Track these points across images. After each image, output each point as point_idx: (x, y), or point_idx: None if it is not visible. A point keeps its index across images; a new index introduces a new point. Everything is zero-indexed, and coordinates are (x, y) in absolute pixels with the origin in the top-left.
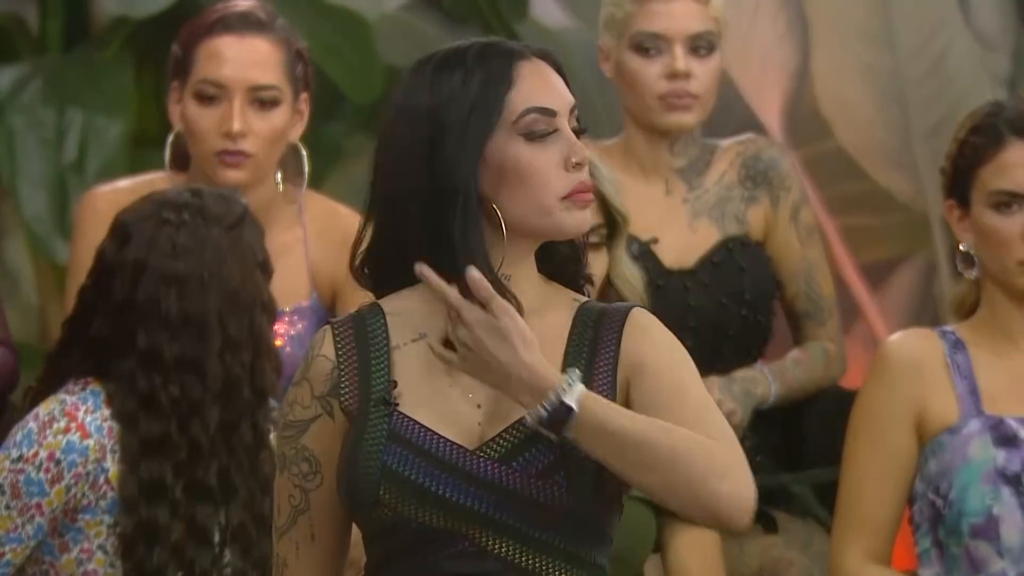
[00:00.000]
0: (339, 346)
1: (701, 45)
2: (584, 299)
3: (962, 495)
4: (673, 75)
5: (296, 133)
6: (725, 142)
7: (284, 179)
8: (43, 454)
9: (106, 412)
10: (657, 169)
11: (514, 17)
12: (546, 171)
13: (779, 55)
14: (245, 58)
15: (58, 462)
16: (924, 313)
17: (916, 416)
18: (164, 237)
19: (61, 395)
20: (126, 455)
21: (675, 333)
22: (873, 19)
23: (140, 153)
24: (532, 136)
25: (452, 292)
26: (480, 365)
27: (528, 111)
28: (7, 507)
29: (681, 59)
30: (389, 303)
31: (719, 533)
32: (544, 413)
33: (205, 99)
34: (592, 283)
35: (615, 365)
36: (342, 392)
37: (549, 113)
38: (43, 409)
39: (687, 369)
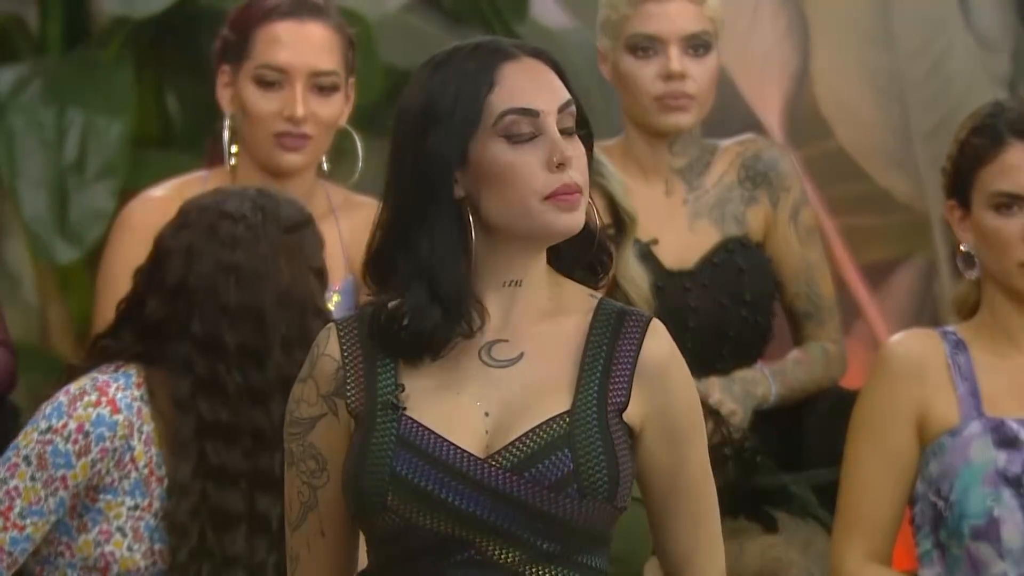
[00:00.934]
0: (344, 346)
1: (697, 45)
2: (600, 296)
3: (963, 497)
4: (669, 76)
5: (344, 118)
6: (725, 143)
7: (329, 163)
8: (72, 425)
9: (136, 393)
10: (657, 170)
11: (514, 17)
12: (527, 172)
13: (779, 55)
14: (306, 44)
15: (87, 434)
16: (924, 313)
17: (917, 417)
18: (224, 227)
19: (94, 373)
20: (176, 439)
21: (675, 334)
22: (873, 19)
23: (140, 153)
24: (513, 137)
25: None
26: None
27: (507, 112)
28: (32, 478)
29: (676, 60)
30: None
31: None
32: None
33: (265, 84)
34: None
35: (633, 367)
36: (348, 393)
37: (530, 114)
38: (74, 385)
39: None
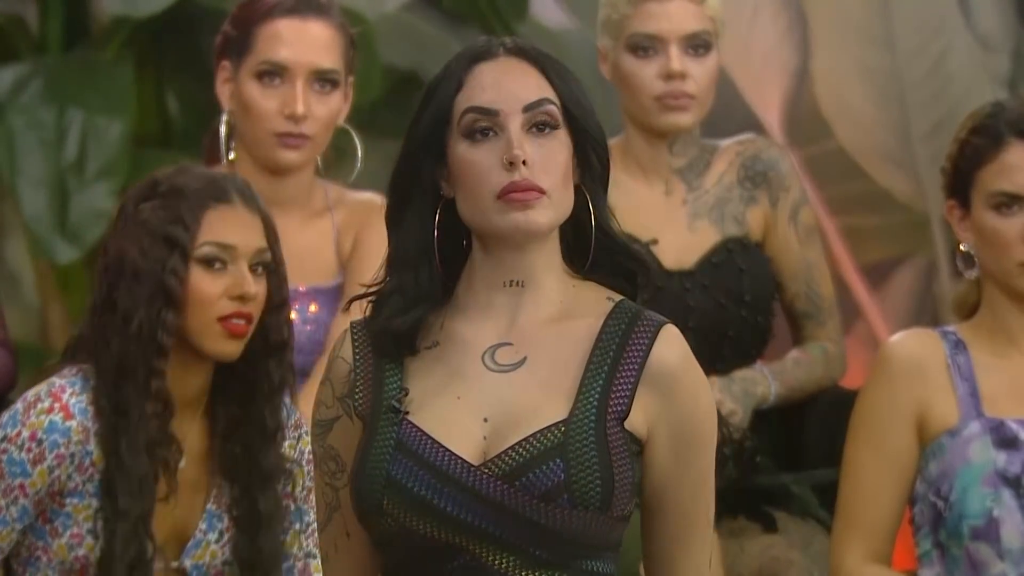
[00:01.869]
0: (356, 349)
1: (697, 45)
2: (619, 298)
3: (962, 497)
4: (669, 76)
5: (343, 116)
6: (724, 143)
7: (324, 161)
8: (25, 434)
9: (91, 396)
10: (657, 170)
11: (514, 17)
12: (482, 171)
13: (779, 55)
14: (307, 41)
15: (40, 442)
16: (924, 313)
17: (917, 417)
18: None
19: (53, 377)
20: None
21: None
22: (873, 19)
23: (140, 153)
24: (472, 136)
25: None
26: None
27: (466, 111)
28: None
29: (677, 59)
30: None
31: (718, 533)
32: None
33: (266, 80)
34: (650, 278)
35: (639, 374)
36: (356, 396)
37: (488, 113)
38: (31, 391)
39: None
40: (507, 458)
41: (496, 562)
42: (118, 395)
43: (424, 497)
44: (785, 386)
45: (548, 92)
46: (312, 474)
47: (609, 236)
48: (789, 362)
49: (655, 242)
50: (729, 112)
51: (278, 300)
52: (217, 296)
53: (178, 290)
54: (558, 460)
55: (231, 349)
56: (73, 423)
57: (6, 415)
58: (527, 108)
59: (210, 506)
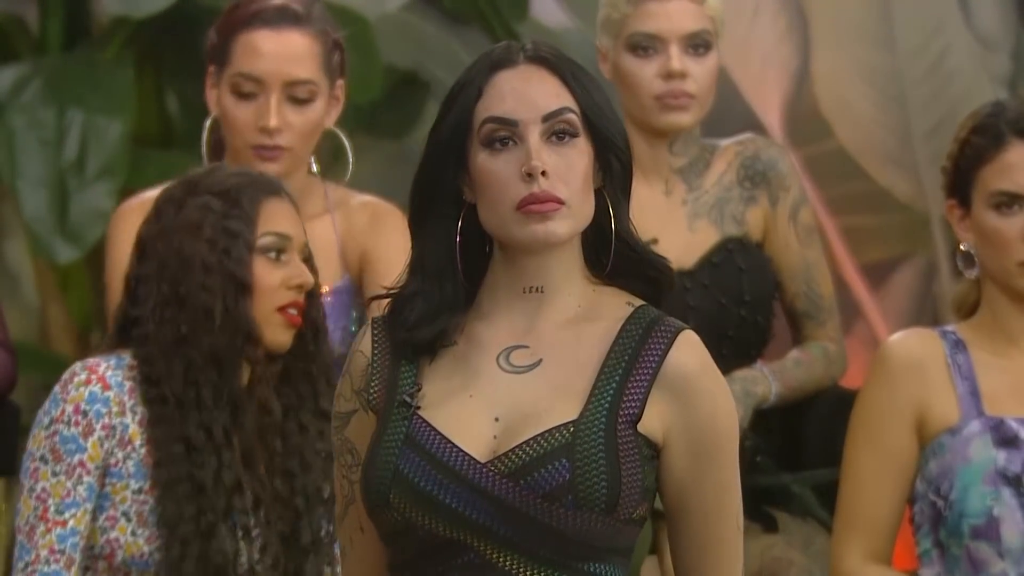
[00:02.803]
0: (376, 343)
1: (697, 44)
2: (640, 303)
3: (963, 496)
4: (669, 75)
5: (332, 119)
6: (724, 142)
7: (320, 164)
8: (69, 409)
9: (128, 373)
10: (657, 169)
11: (514, 17)
12: (502, 181)
13: (779, 55)
14: (281, 53)
15: (85, 413)
16: (924, 313)
17: (916, 416)
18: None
19: (86, 358)
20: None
21: None
22: (873, 19)
23: (140, 153)
24: (492, 146)
25: None
26: None
27: (486, 121)
28: (54, 474)
29: (677, 59)
30: None
31: None
32: None
33: (241, 93)
34: (671, 284)
35: (653, 378)
36: (371, 390)
37: (507, 123)
38: (67, 370)
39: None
40: (514, 456)
41: (500, 560)
42: (207, 388)
43: (430, 492)
44: (785, 386)
45: (568, 100)
46: None
47: (629, 242)
48: (789, 362)
49: (655, 242)
50: (729, 112)
51: (316, 292)
52: (277, 286)
53: (249, 278)
54: (564, 460)
55: (286, 339)
56: (111, 393)
57: (47, 402)
58: (546, 118)
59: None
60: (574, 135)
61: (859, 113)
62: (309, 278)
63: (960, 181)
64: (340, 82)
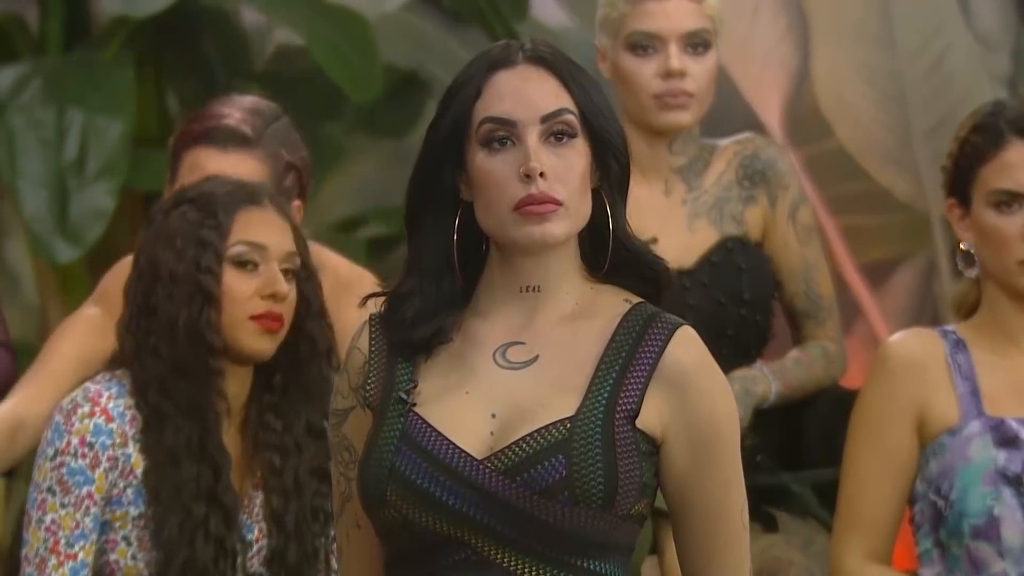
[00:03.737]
0: (373, 340)
1: (696, 43)
2: (637, 300)
3: (963, 496)
4: (668, 74)
5: (297, 217)
6: (723, 142)
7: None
8: (75, 441)
9: (129, 401)
10: (656, 169)
11: (514, 17)
12: (500, 181)
13: (779, 55)
14: (226, 174)
15: (91, 446)
16: (924, 313)
17: (917, 416)
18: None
19: (86, 383)
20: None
21: None
22: (873, 19)
23: (140, 153)
24: (490, 146)
25: None
26: None
27: (484, 121)
28: (62, 505)
29: (676, 58)
30: None
31: None
32: None
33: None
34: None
35: (651, 373)
36: (368, 387)
37: (506, 123)
38: (66, 399)
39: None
40: (511, 453)
41: (497, 557)
42: (182, 399)
43: (426, 489)
44: (785, 385)
45: (566, 101)
46: None
47: (626, 242)
48: (789, 361)
49: (654, 241)
50: (729, 112)
51: (317, 307)
52: (250, 295)
53: (215, 288)
54: (561, 456)
55: (265, 346)
56: (114, 425)
57: (49, 431)
58: (545, 119)
59: (242, 516)
60: (572, 136)
61: (859, 113)
62: (283, 287)
63: (960, 180)
64: (297, 203)
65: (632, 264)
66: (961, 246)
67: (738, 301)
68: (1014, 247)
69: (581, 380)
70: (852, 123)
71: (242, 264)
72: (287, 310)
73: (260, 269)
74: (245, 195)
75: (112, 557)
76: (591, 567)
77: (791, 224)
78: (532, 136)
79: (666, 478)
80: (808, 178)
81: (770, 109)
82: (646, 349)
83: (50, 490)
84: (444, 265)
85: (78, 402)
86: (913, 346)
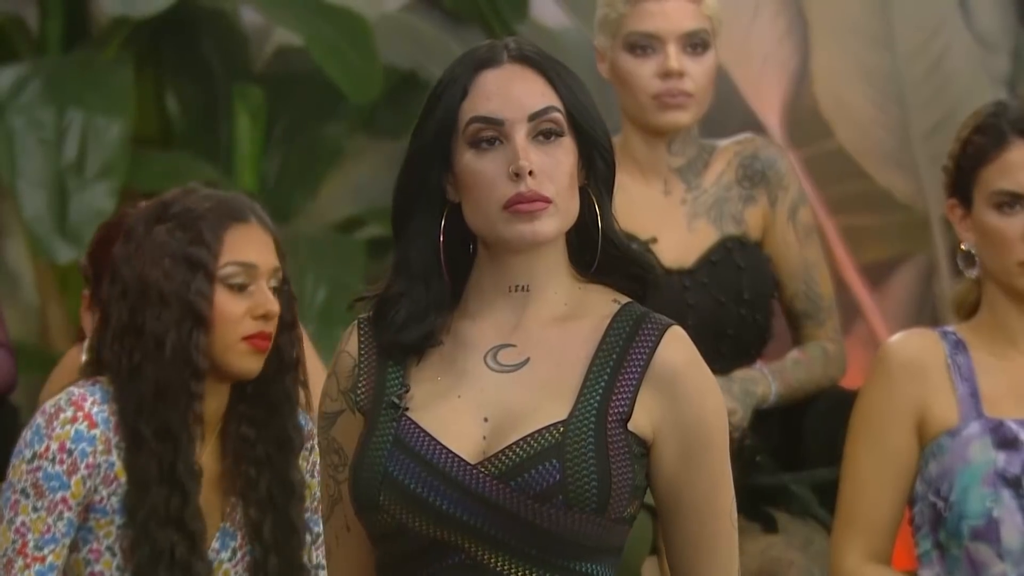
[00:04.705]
0: (362, 344)
1: (695, 43)
2: (626, 300)
3: (962, 497)
4: (667, 74)
5: None
6: (723, 142)
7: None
8: (54, 446)
9: (113, 407)
10: (656, 169)
11: (514, 17)
12: (488, 181)
13: (779, 55)
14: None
15: (70, 452)
16: (924, 313)
17: (916, 417)
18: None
19: (70, 387)
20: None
21: None
22: (873, 19)
23: (140, 153)
24: (478, 145)
25: None
26: None
27: (472, 120)
28: (35, 509)
29: (675, 58)
30: None
31: None
32: None
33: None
34: (657, 282)
35: (642, 375)
36: (358, 390)
37: (494, 122)
38: (50, 403)
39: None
40: (504, 457)
41: (491, 561)
42: (158, 422)
43: (420, 494)
44: (785, 385)
45: (553, 99)
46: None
47: (614, 240)
48: (789, 362)
49: (654, 241)
50: (729, 112)
51: (289, 319)
52: (241, 316)
53: (207, 311)
54: (554, 460)
55: (255, 365)
56: (97, 432)
57: (28, 433)
58: (532, 117)
59: (224, 524)
60: (559, 134)
61: (859, 113)
62: (274, 306)
63: (961, 180)
64: None
65: (620, 263)
66: (962, 246)
67: (738, 301)
68: (1015, 248)
69: (573, 383)
70: (852, 123)
71: (233, 285)
72: (274, 327)
73: (250, 289)
74: (231, 211)
75: (97, 568)
76: (583, 569)
77: (791, 224)
78: (520, 135)
79: (656, 478)
80: (808, 178)
81: (770, 109)
82: (637, 351)
83: (24, 492)
84: (432, 267)
85: (61, 406)
86: (913, 347)
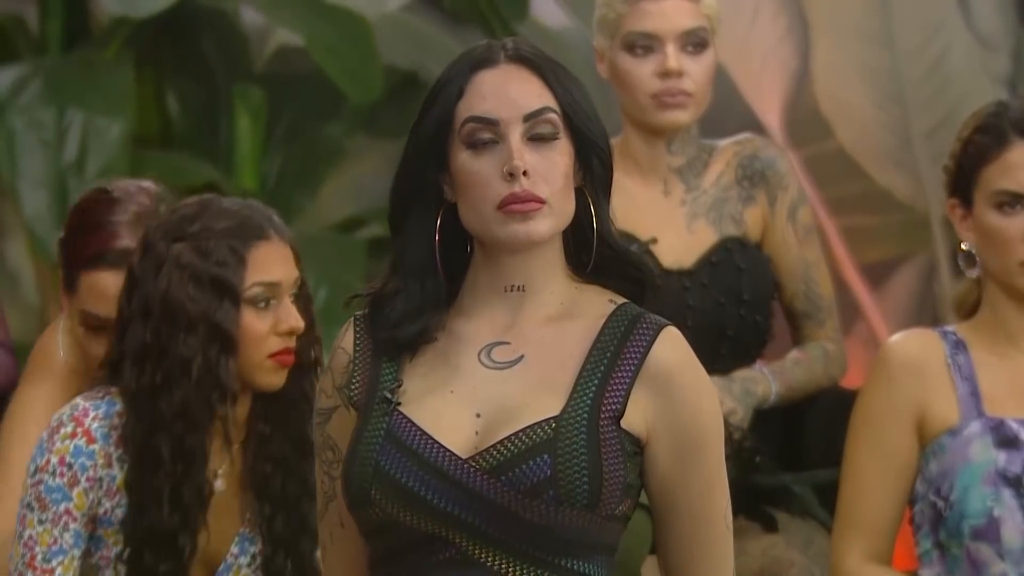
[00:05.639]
0: (358, 340)
1: (694, 43)
2: (622, 301)
3: (963, 497)
4: (666, 73)
5: None
6: (722, 142)
7: None
8: (54, 460)
9: (116, 421)
10: (655, 169)
11: (514, 17)
12: (483, 181)
13: (779, 55)
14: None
15: (70, 466)
16: (924, 313)
17: (917, 417)
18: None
19: (77, 399)
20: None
21: None
22: (873, 19)
23: (140, 153)
24: (473, 145)
25: None
26: None
27: (467, 121)
28: (40, 522)
29: (673, 57)
30: None
31: None
32: None
33: (90, 327)
34: (655, 283)
35: (636, 374)
36: (352, 386)
37: (489, 123)
38: (55, 415)
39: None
40: (495, 452)
41: (482, 556)
42: (175, 441)
43: (411, 488)
44: (785, 386)
45: (549, 100)
46: None
47: (610, 241)
48: (789, 362)
49: (654, 241)
50: (729, 112)
51: (307, 319)
52: (266, 334)
53: (235, 334)
54: (546, 456)
55: (280, 380)
56: (96, 447)
57: (36, 447)
58: (527, 117)
59: (243, 530)
60: (555, 135)
61: (859, 113)
62: (299, 323)
63: (962, 180)
64: None
65: (616, 264)
66: (962, 246)
67: (738, 301)
68: (1016, 248)
69: (566, 380)
70: (852, 123)
71: (258, 304)
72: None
73: (272, 304)
74: (252, 229)
75: (107, 574)
76: (575, 567)
77: (791, 224)
78: (515, 135)
79: (650, 478)
80: (808, 178)
81: (770, 109)
82: (631, 349)
83: (29, 506)
84: (428, 265)
85: (63, 421)
86: (913, 347)
